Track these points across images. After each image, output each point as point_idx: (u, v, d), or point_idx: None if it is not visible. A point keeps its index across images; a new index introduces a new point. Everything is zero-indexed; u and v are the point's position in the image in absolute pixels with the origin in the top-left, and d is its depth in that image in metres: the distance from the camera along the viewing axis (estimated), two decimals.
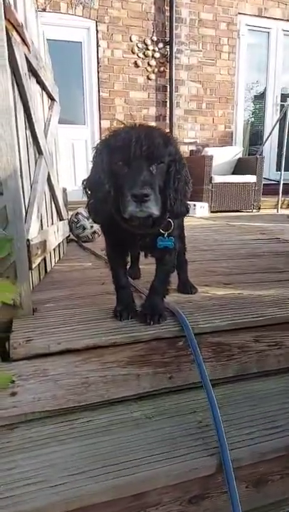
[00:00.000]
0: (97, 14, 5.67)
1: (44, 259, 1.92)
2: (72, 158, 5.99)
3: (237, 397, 1.26)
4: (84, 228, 3.09)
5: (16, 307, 1.32)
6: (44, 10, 5.44)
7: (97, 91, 5.89)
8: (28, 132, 1.72)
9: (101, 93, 5.91)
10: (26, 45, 1.65)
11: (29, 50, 1.69)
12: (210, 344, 1.29)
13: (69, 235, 2.92)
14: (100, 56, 5.81)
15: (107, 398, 1.18)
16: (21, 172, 1.54)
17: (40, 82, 1.99)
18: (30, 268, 1.46)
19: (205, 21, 6.14)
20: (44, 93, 2.15)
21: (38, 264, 1.77)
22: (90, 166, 1.23)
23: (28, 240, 1.41)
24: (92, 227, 3.11)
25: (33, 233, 1.60)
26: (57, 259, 2.33)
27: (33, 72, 1.83)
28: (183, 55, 6.17)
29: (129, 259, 1.68)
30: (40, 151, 1.89)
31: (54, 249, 2.23)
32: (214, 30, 6.21)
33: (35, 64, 1.82)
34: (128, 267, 1.90)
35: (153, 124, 6.21)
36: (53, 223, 2.22)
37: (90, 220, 3.05)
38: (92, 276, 1.97)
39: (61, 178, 5.92)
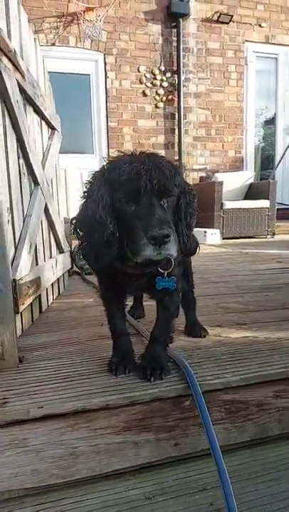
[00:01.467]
0: (105, 47, 5.76)
1: (39, 297, 1.76)
2: (81, 187, 5.94)
3: (256, 468, 1.05)
4: None
5: None
6: (53, 44, 5.55)
7: (105, 121, 5.91)
8: (22, 162, 1.61)
9: (109, 123, 5.92)
10: (20, 72, 1.56)
11: (24, 77, 1.60)
12: (222, 403, 1.10)
13: (71, 268, 2.77)
14: (108, 87, 5.86)
15: (99, 472, 0.99)
16: (11, 205, 1.42)
17: (37, 111, 1.90)
18: (17, 312, 1.30)
19: (212, 50, 6.18)
20: (43, 122, 2.06)
21: (31, 304, 1.61)
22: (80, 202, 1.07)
23: (14, 281, 1.27)
24: None
25: (24, 271, 1.45)
26: (56, 295, 2.18)
27: (28, 100, 1.74)
28: (191, 83, 6.19)
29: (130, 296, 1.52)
30: (36, 182, 1.78)
31: (52, 285, 2.08)
32: (221, 58, 6.23)
33: (32, 92, 1.73)
34: (131, 305, 1.75)
35: (162, 152, 6.18)
36: (51, 257, 2.08)
37: None
38: (92, 315, 1.80)
39: (70, 208, 5.85)
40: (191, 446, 1.07)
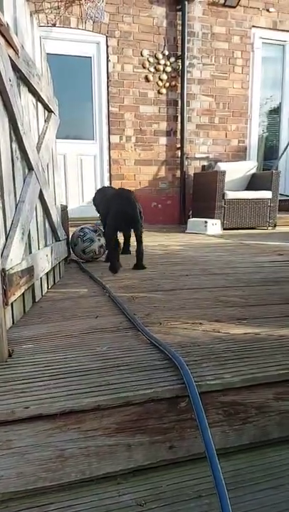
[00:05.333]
0: (108, 29, 5.59)
1: (32, 287, 1.70)
2: (80, 173, 5.84)
3: (255, 474, 0.99)
4: (92, 241, 2.92)
5: None
6: (54, 25, 5.38)
7: (106, 106, 5.77)
8: (15, 145, 1.52)
9: (110, 108, 5.78)
10: (13, 48, 1.46)
11: (17, 54, 1.51)
12: (220, 404, 1.04)
13: (68, 256, 2.70)
14: (109, 71, 5.70)
15: (89, 475, 0.93)
16: (2, 191, 1.34)
17: (33, 91, 1.81)
18: (7, 303, 1.24)
19: (218, 35, 6.01)
20: (39, 104, 1.97)
21: (23, 294, 1.54)
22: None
23: (3, 271, 1.19)
24: (99, 239, 2.92)
25: (15, 260, 1.38)
26: (51, 284, 2.11)
27: (23, 79, 1.64)
28: (195, 69, 6.03)
29: None
30: (30, 167, 1.69)
31: (47, 274, 2.02)
32: (227, 43, 6.06)
33: (26, 71, 1.64)
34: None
35: (164, 139, 6.06)
36: (46, 245, 2.00)
37: (98, 233, 2.92)
38: (86, 306, 1.73)
39: (69, 195, 5.74)
40: (186, 450, 1.01)
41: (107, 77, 5.72)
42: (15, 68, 1.50)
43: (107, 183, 5.91)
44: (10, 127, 1.47)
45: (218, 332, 1.42)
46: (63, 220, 2.74)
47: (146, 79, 5.87)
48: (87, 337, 1.34)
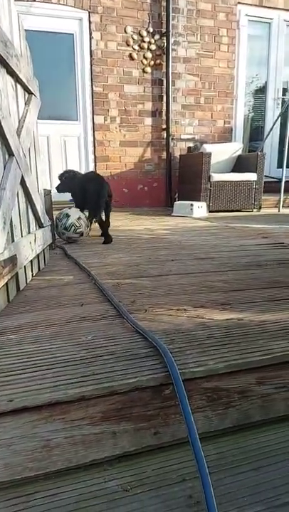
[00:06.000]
0: (90, 4, 5.39)
1: (16, 276, 1.68)
2: (64, 155, 5.73)
3: (236, 457, 1.02)
4: (67, 216, 3.05)
5: None
6: (34, 0, 5.17)
7: (90, 85, 5.62)
8: None
9: (94, 87, 5.64)
10: None
11: None
12: (204, 390, 1.06)
13: (52, 242, 2.68)
14: (92, 48, 5.53)
15: (75, 463, 0.95)
16: None
17: (11, 72, 1.74)
18: None
19: (203, 11, 5.86)
20: (18, 86, 1.90)
21: (6, 283, 1.53)
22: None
23: None
24: (74, 213, 3.09)
25: None
26: (36, 271, 2.09)
27: (1, 61, 1.58)
28: (180, 47, 5.90)
29: None
30: (10, 152, 1.65)
31: (32, 261, 2.00)
32: (213, 20, 5.93)
33: (3, 52, 1.57)
34: None
35: (149, 120, 5.97)
36: (29, 232, 1.98)
37: (69, 208, 3.18)
38: (72, 294, 1.73)
39: (52, 178, 5.64)
40: (171, 435, 1.04)
41: (90, 56, 5.55)
42: None
43: (92, 166, 5.82)
44: None
45: (202, 318, 1.44)
46: (47, 205, 2.70)
47: (131, 57, 5.72)
48: (73, 326, 1.34)
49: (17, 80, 1.86)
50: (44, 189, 2.76)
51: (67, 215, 3.05)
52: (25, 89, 2.01)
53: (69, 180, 3.43)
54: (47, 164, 5.62)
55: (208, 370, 1.05)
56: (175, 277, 2.03)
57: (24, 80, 1.92)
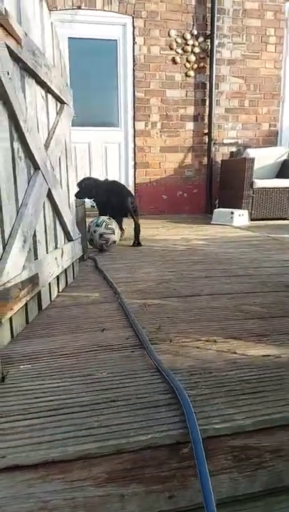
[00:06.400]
0: (134, 9, 5.34)
1: (38, 294, 1.61)
2: (104, 162, 5.71)
3: None
4: (98, 218, 3.12)
5: None
6: (79, 7, 5.20)
7: (132, 91, 5.57)
8: (17, 145, 1.41)
9: (136, 93, 5.57)
10: (14, 38, 1.34)
11: (19, 44, 1.38)
12: (230, 449, 0.91)
13: (83, 253, 2.62)
14: (135, 54, 5.48)
15: None
16: (0, 197, 1.24)
17: (41, 82, 1.68)
18: None
19: (250, 11, 5.62)
20: (49, 96, 1.84)
21: (26, 305, 1.46)
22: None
23: None
24: (108, 218, 3.14)
25: (13, 272, 1.28)
26: (63, 286, 2.02)
27: (28, 70, 1.52)
28: (225, 49, 5.70)
29: None
30: (36, 166, 1.58)
31: (58, 277, 1.93)
32: (260, 20, 5.67)
33: (31, 61, 1.51)
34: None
35: (191, 124, 5.81)
36: (56, 247, 1.91)
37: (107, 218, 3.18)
38: (95, 315, 1.63)
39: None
40: (189, 499, 0.90)
41: (133, 61, 5.50)
42: (16, 59, 1.38)
43: (131, 172, 5.76)
44: (10, 125, 1.35)
45: (234, 353, 1.28)
46: (79, 216, 2.64)
47: (174, 61, 5.60)
48: (89, 356, 1.24)
49: (48, 90, 1.80)
50: (77, 200, 2.71)
51: (98, 218, 3.13)
52: (57, 98, 1.95)
53: (88, 188, 3.54)
54: (87, 171, 5.62)
55: (236, 427, 0.90)
56: (207, 298, 1.88)
57: (56, 90, 1.86)
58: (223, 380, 1.09)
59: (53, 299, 1.85)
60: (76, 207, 2.52)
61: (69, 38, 5.27)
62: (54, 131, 1.87)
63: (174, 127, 5.81)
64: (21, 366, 1.17)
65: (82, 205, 2.75)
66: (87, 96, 5.51)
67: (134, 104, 5.60)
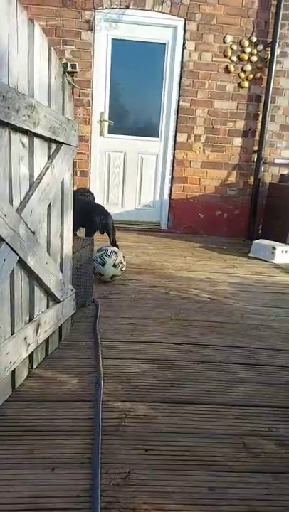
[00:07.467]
0: (187, 11, 4.87)
1: None
2: (139, 174, 5.34)
3: None
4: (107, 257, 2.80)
5: None
6: (127, 7, 4.82)
7: (176, 100, 5.11)
8: None
9: (181, 102, 5.12)
10: None
11: None
12: None
13: (86, 299, 2.30)
14: (184, 60, 5.01)
15: None
16: None
17: (21, 130, 1.34)
18: None
19: None
20: (37, 140, 1.49)
21: None
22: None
23: None
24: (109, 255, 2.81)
25: None
26: (41, 358, 1.70)
27: None
28: (287, 60, 5.09)
29: None
30: None
31: (33, 353, 1.60)
32: None
33: (2, 107, 1.16)
34: None
35: (239, 140, 5.28)
36: (31, 319, 1.57)
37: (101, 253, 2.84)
38: (56, 427, 1.27)
39: (126, 196, 5.21)
40: None
41: (181, 67, 5.04)
42: None
43: (167, 186, 5.35)
44: None
45: None
46: (85, 256, 2.31)
47: (227, 69, 5.08)
48: None
49: (35, 134, 1.45)
50: (85, 238, 2.38)
51: (106, 256, 2.85)
52: (51, 140, 1.60)
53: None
54: (120, 182, 5.30)
55: None
56: (209, 411, 1.46)
57: (47, 132, 1.51)
58: None
59: (20, 384, 1.52)
60: (80, 249, 2.19)
61: (113, 39, 4.92)
62: (40, 182, 1.52)
63: (219, 142, 5.30)
64: None
65: (90, 245, 2.41)
66: (127, 102, 5.16)
67: (177, 114, 5.15)
